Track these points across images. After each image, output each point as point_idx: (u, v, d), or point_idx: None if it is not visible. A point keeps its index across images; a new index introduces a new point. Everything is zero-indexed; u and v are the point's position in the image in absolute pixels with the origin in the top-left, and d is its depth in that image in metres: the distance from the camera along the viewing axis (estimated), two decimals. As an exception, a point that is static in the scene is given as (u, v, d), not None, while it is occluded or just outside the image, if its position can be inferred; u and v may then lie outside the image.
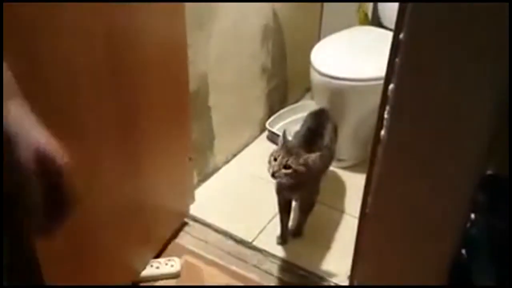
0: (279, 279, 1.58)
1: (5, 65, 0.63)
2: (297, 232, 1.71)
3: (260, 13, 1.99)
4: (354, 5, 2.27)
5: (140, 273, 1.53)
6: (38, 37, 0.95)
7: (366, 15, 2.25)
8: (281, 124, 2.24)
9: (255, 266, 1.62)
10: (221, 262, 1.62)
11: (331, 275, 1.57)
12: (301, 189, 1.52)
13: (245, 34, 1.93)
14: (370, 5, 2.21)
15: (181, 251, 1.65)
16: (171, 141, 1.54)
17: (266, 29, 2.04)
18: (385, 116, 0.87)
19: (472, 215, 0.99)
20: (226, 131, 1.99)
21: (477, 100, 0.75)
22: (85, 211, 1.21)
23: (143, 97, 1.34)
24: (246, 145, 2.18)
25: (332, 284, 1.55)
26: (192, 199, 1.78)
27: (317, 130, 1.64)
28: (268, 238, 1.71)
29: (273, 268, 1.61)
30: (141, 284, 1.53)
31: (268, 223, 1.76)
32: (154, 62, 1.33)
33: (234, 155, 2.12)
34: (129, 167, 1.36)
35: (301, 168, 1.40)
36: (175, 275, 1.55)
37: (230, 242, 1.71)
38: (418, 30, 0.75)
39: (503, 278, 0.97)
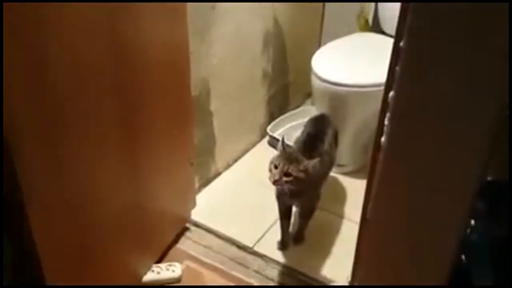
0: (280, 284, 1.58)
1: None
2: (298, 237, 1.71)
3: (261, 19, 2.00)
4: (355, 11, 2.28)
5: (141, 278, 1.54)
6: (43, 37, 0.96)
7: (366, 21, 2.26)
8: (282, 129, 2.25)
9: (256, 271, 1.62)
10: (222, 267, 1.63)
11: (332, 280, 1.58)
12: (301, 196, 1.52)
13: (246, 40, 1.94)
14: (371, 11, 2.22)
15: (182, 256, 1.65)
16: (173, 146, 1.55)
17: (267, 35, 2.05)
18: (386, 122, 0.88)
19: (472, 221, 0.99)
20: (227, 136, 2.00)
21: (477, 108, 0.75)
22: (87, 215, 1.22)
23: (145, 101, 1.34)
24: (247, 150, 2.19)
25: (332, 289, 1.55)
26: (193, 204, 1.78)
27: (317, 136, 1.64)
28: (269, 244, 1.71)
29: (274, 273, 1.61)
30: (142, 289, 1.54)
31: (269, 228, 1.77)
32: (156, 66, 1.34)
33: (235, 160, 2.12)
34: (131, 171, 1.36)
35: (302, 175, 1.40)
36: (176, 280, 1.56)
37: (231, 248, 1.71)
38: (418, 37, 0.76)
39: (502, 284, 0.97)
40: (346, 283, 1.43)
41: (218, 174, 2.03)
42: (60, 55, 1.01)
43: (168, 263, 1.59)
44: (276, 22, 2.08)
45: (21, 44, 0.90)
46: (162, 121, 1.44)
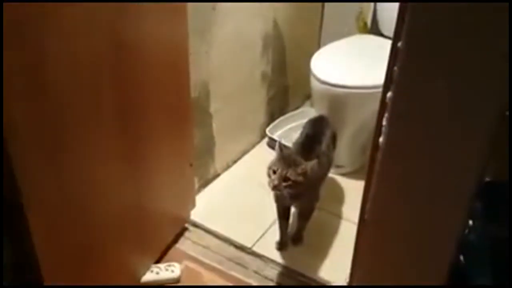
0: (279, 284, 1.58)
1: None
2: (297, 238, 1.72)
3: (261, 21, 2.00)
4: (354, 13, 2.29)
5: (140, 278, 1.54)
6: (42, 38, 0.96)
7: (365, 23, 2.27)
8: (281, 130, 2.26)
9: (254, 272, 1.62)
10: (221, 268, 1.63)
11: (330, 280, 1.58)
12: (300, 198, 1.53)
13: (246, 42, 1.95)
14: (369, 13, 2.22)
15: (181, 257, 1.65)
16: (172, 147, 1.55)
17: (267, 37, 2.06)
18: (384, 123, 0.88)
19: (470, 222, 1.00)
20: (227, 138, 2.00)
21: (476, 108, 0.76)
22: (86, 216, 1.22)
23: (145, 102, 1.35)
24: (247, 152, 2.19)
25: (331, 290, 1.56)
26: (192, 204, 1.79)
27: (315, 137, 1.64)
28: (268, 244, 1.71)
29: (273, 273, 1.62)
30: (141, 290, 1.54)
31: (268, 229, 1.77)
32: (156, 66, 1.34)
33: (235, 161, 2.13)
34: (130, 172, 1.36)
35: (300, 178, 1.40)
36: (175, 280, 1.56)
37: (230, 248, 1.71)
38: (416, 38, 0.76)
39: (501, 284, 0.97)
40: (344, 284, 1.43)
41: (217, 175, 2.03)
42: (60, 56, 1.01)
43: (167, 263, 1.59)
44: (275, 23, 2.09)
45: (20, 44, 0.91)
46: (161, 122, 1.44)
